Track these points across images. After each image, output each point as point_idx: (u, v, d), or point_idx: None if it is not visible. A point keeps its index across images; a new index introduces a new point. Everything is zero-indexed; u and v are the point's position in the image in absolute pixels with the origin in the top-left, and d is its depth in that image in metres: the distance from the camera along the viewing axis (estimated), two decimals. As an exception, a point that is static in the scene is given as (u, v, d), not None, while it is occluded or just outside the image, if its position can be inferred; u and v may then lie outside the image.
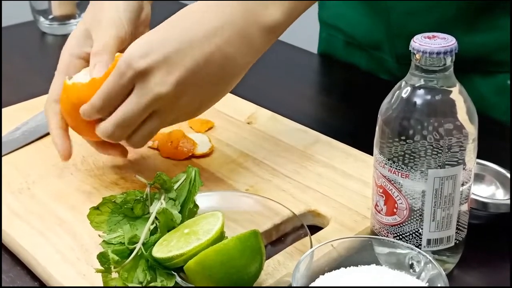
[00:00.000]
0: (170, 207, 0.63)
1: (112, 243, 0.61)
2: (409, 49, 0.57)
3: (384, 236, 0.61)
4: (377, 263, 0.55)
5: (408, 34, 0.59)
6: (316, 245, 0.55)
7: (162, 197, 0.64)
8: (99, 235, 0.62)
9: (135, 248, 0.59)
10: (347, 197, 0.72)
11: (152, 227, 0.61)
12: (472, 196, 0.64)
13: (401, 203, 0.59)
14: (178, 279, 0.58)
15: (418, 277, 0.53)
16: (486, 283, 0.63)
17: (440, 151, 0.56)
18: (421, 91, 0.57)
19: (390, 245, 0.55)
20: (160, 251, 0.59)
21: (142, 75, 0.65)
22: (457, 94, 0.57)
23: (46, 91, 0.93)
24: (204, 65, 0.65)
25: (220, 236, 0.59)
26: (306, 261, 0.53)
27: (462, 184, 0.58)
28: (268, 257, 0.62)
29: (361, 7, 1.00)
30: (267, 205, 0.67)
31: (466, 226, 0.61)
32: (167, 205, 0.63)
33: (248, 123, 0.87)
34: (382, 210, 0.61)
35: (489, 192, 0.69)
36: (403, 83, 0.58)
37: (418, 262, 0.54)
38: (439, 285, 0.52)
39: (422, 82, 0.57)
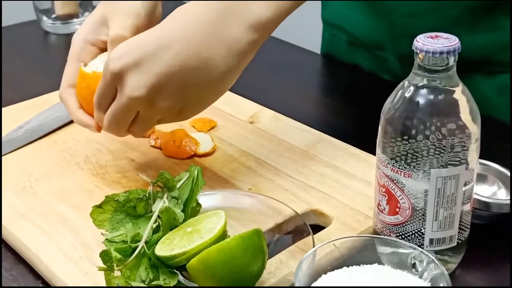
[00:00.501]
0: (172, 205, 0.63)
1: (115, 242, 0.61)
2: (412, 48, 0.57)
3: (387, 235, 0.61)
4: (380, 262, 0.55)
5: (411, 34, 0.59)
6: (319, 244, 0.55)
7: (165, 195, 0.64)
8: (101, 234, 0.62)
9: (137, 246, 0.59)
10: (349, 197, 0.72)
11: (154, 225, 0.61)
12: (475, 196, 0.64)
13: (403, 203, 0.59)
14: (181, 278, 0.58)
15: (420, 277, 0.53)
16: (488, 283, 0.63)
17: (443, 151, 0.56)
18: (424, 91, 0.57)
19: (393, 244, 0.55)
20: (162, 249, 0.59)
21: (118, 77, 0.64)
22: (460, 94, 0.57)
23: (49, 90, 0.94)
24: (179, 70, 0.63)
25: (223, 235, 0.59)
26: (309, 260, 0.53)
27: (465, 184, 0.58)
28: (270, 256, 0.62)
29: (364, 8, 1.00)
30: (269, 204, 0.67)
31: (468, 226, 0.61)
32: (169, 203, 0.63)
33: (251, 123, 0.87)
34: (384, 209, 0.61)
35: (492, 192, 0.69)
36: (406, 82, 0.58)
37: (420, 262, 0.54)
38: (441, 285, 0.52)
39: (425, 81, 0.57)
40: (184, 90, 0.65)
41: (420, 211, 0.59)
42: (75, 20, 1.21)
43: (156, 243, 0.60)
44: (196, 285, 0.57)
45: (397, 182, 0.58)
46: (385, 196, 0.60)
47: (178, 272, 0.58)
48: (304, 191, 0.73)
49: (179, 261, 0.58)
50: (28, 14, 1.29)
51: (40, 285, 0.64)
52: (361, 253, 0.55)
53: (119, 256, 0.57)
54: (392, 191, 0.59)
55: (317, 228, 0.68)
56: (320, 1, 1.09)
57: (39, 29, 1.23)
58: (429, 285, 0.52)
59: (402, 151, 0.57)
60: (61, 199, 0.72)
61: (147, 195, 0.64)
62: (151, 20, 0.76)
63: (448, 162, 0.57)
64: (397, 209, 0.59)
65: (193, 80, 0.64)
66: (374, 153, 0.62)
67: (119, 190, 0.73)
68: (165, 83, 0.63)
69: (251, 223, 0.64)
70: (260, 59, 0.70)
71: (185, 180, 0.65)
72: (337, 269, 0.54)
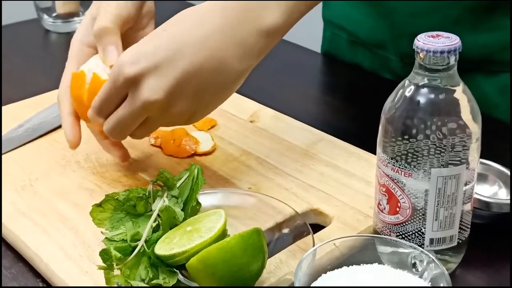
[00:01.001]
0: (172, 204, 0.63)
1: (115, 240, 0.61)
2: (413, 47, 0.57)
3: (387, 235, 0.61)
4: (380, 262, 0.55)
5: (412, 33, 0.59)
6: (319, 243, 0.55)
7: (165, 194, 0.64)
8: (101, 232, 0.62)
9: (137, 245, 0.59)
10: (349, 196, 0.71)
11: (154, 224, 0.61)
12: (475, 196, 0.63)
13: (404, 202, 0.59)
14: (180, 277, 0.58)
15: (420, 277, 0.53)
16: (489, 282, 0.63)
17: (443, 150, 0.56)
18: (424, 90, 0.57)
19: (393, 244, 0.55)
20: (162, 248, 0.59)
21: (133, 82, 0.64)
22: (461, 93, 0.57)
23: (49, 89, 0.94)
24: (196, 73, 0.63)
25: (223, 234, 0.59)
26: (308, 259, 0.53)
27: (465, 184, 0.58)
28: (270, 255, 0.62)
29: (365, 7, 1.00)
30: (269, 204, 0.67)
31: (469, 226, 0.61)
32: (169, 202, 0.63)
33: (251, 122, 0.87)
34: (385, 209, 0.61)
35: (492, 192, 0.69)
36: (406, 82, 0.58)
37: (420, 262, 0.53)
38: (441, 285, 0.51)
39: (425, 81, 0.57)
40: (201, 93, 0.65)
41: (421, 210, 0.58)
42: (75, 18, 1.21)
43: (156, 242, 0.60)
44: (195, 284, 0.57)
45: (398, 182, 0.58)
46: (386, 196, 0.60)
47: (177, 271, 0.58)
48: (304, 190, 0.73)
49: (178, 260, 0.58)
50: (29, 12, 1.29)
51: (40, 283, 0.64)
52: (361, 253, 0.55)
53: (118, 255, 0.57)
54: (393, 191, 0.59)
55: (317, 228, 0.68)
56: (321, 1, 1.09)
57: (39, 27, 1.23)
58: (429, 285, 0.52)
59: (402, 150, 0.57)
60: (61, 198, 0.72)
61: (147, 194, 0.64)
62: (141, 15, 0.76)
63: (449, 162, 0.57)
64: (398, 209, 0.59)
65: (210, 82, 0.64)
66: (374, 153, 0.62)
67: (119, 188, 0.73)
68: (182, 87, 0.63)
69: (251, 222, 0.64)
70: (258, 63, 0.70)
71: (185, 179, 0.65)
72: (337, 268, 0.54)
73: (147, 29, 0.79)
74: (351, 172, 0.76)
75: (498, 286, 0.62)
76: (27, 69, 1.08)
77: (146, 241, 0.59)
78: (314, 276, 0.53)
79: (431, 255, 0.53)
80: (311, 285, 0.53)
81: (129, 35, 0.76)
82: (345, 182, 0.74)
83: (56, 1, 1.20)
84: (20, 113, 0.88)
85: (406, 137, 0.57)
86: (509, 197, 0.67)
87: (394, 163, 0.58)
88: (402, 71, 0.98)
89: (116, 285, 0.58)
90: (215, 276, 0.56)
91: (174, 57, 0.63)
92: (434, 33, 0.57)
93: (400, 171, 0.58)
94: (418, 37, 0.57)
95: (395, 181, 0.59)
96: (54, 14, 1.22)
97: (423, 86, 0.57)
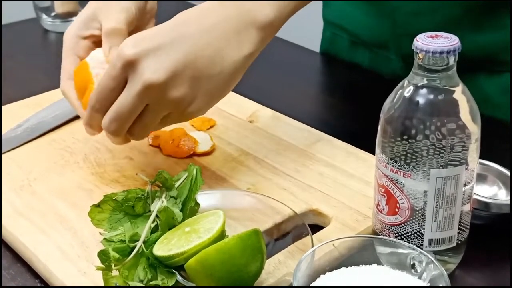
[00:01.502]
0: (171, 205, 0.63)
1: (113, 241, 0.61)
2: (412, 48, 0.56)
3: (386, 235, 0.61)
4: (379, 263, 0.55)
5: (414, 33, 0.58)
6: (317, 244, 0.55)
7: (163, 195, 0.64)
8: (100, 233, 0.62)
9: (136, 246, 0.59)
10: (348, 196, 0.71)
11: (153, 225, 0.61)
12: (474, 196, 0.63)
13: (403, 203, 0.59)
14: (179, 278, 0.58)
15: (419, 277, 0.53)
16: (488, 283, 0.63)
17: (443, 151, 0.56)
18: (423, 91, 0.57)
19: (392, 245, 0.55)
20: (161, 249, 0.59)
21: (132, 64, 0.65)
22: (460, 94, 0.57)
23: (48, 88, 0.94)
24: (195, 58, 0.66)
25: (221, 235, 0.59)
26: (307, 260, 0.53)
27: (465, 184, 0.58)
28: (269, 256, 0.61)
29: (366, 7, 1.00)
30: (268, 204, 0.67)
31: (468, 226, 0.61)
32: (168, 203, 0.63)
33: (250, 122, 0.87)
34: (383, 209, 0.60)
35: (492, 193, 0.69)
36: (405, 82, 0.58)
37: (419, 262, 0.53)
38: (440, 286, 0.51)
39: (424, 81, 0.57)
40: (197, 80, 0.66)
41: (420, 211, 0.58)
42: (74, 18, 1.21)
43: (155, 243, 0.60)
44: (194, 285, 0.57)
45: (397, 182, 0.58)
46: (384, 196, 0.60)
47: (176, 272, 0.58)
48: (303, 190, 0.73)
49: (177, 261, 0.58)
50: (28, 12, 1.28)
51: (38, 284, 0.64)
52: (360, 253, 0.55)
53: (117, 255, 0.57)
54: (392, 191, 0.59)
55: (316, 228, 0.68)
56: (321, 0, 1.09)
57: (38, 27, 1.23)
58: (428, 285, 0.52)
59: (401, 151, 0.57)
60: (60, 198, 0.72)
61: (146, 194, 0.64)
62: (142, 16, 0.79)
63: (448, 162, 0.56)
64: (397, 209, 0.59)
65: (207, 69, 0.67)
66: (373, 153, 0.62)
67: (118, 189, 0.73)
68: (181, 70, 0.65)
69: (250, 223, 0.64)
70: (259, 58, 0.70)
71: (184, 180, 0.65)
72: (336, 269, 0.54)
73: (148, 27, 0.81)
74: (350, 173, 0.76)
75: (498, 287, 0.62)
76: (25, 68, 1.08)
77: (144, 242, 0.59)
78: (313, 277, 0.53)
79: (430, 256, 0.53)
80: (310, 286, 0.53)
81: (130, 33, 0.77)
82: (344, 182, 0.74)
83: (55, 1, 1.20)
84: (19, 113, 0.88)
85: (405, 137, 0.57)
86: (508, 198, 0.67)
87: (393, 163, 0.58)
88: (402, 71, 0.98)
89: (114, 286, 0.58)
90: (213, 277, 0.56)
91: (174, 41, 0.65)
92: (433, 33, 0.57)
93: (399, 172, 0.58)
94: (417, 37, 0.57)
95: (394, 181, 0.58)
96: (53, 14, 1.22)
97: (422, 86, 0.57)
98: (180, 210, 0.62)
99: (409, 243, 0.57)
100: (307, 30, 1.33)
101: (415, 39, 0.57)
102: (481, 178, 0.70)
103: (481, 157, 0.61)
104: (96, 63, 0.73)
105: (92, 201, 0.64)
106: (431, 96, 0.57)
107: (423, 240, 0.59)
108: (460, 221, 0.60)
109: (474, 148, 0.58)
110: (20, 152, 0.81)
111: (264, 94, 0.95)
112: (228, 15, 0.67)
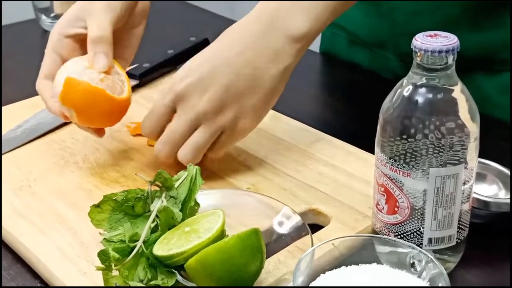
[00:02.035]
0: (171, 205, 0.63)
1: (113, 241, 0.61)
2: (411, 47, 0.56)
3: (385, 235, 0.61)
4: (378, 262, 0.55)
5: (413, 33, 0.59)
6: (317, 243, 0.55)
7: (163, 195, 0.63)
8: (99, 233, 0.62)
9: (135, 246, 0.59)
10: (348, 196, 0.71)
11: (153, 225, 0.61)
12: (474, 195, 0.63)
13: (402, 202, 0.59)
14: (179, 277, 0.58)
15: (419, 276, 0.53)
16: (487, 282, 0.63)
17: (442, 150, 0.56)
18: (422, 90, 0.57)
19: (391, 244, 0.55)
20: (160, 249, 0.59)
21: (181, 97, 0.71)
22: (459, 93, 0.57)
23: (47, 89, 0.94)
24: (236, 79, 0.70)
25: (221, 235, 0.59)
26: (307, 259, 0.53)
27: (464, 183, 0.58)
28: (268, 256, 0.61)
29: (365, 7, 1.00)
30: (268, 204, 0.67)
31: (467, 225, 0.61)
32: (168, 203, 0.63)
33: (250, 122, 0.87)
34: (383, 209, 0.61)
35: (491, 191, 0.69)
36: (404, 81, 0.58)
37: (419, 261, 0.53)
38: (440, 285, 0.51)
39: (423, 80, 0.57)
40: (241, 99, 0.71)
41: (419, 210, 0.58)
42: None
43: (154, 243, 0.60)
44: (194, 284, 0.57)
45: (396, 181, 0.58)
46: (384, 196, 0.60)
47: (176, 271, 0.58)
48: (302, 190, 0.73)
49: (177, 261, 0.58)
50: (27, 13, 1.28)
51: (38, 284, 0.64)
52: (360, 253, 0.55)
53: (117, 255, 0.57)
54: (391, 190, 0.59)
55: (315, 228, 0.68)
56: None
57: (38, 28, 1.23)
58: (428, 284, 0.52)
59: (401, 150, 0.57)
60: (60, 199, 0.72)
61: (146, 194, 0.64)
62: (132, 17, 0.80)
63: (447, 161, 0.57)
64: (396, 209, 0.59)
65: (249, 88, 0.71)
66: (373, 152, 0.62)
67: (118, 189, 0.73)
68: (226, 95, 0.70)
69: (250, 223, 0.64)
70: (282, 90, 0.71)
71: (184, 179, 0.65)
72: (335, 268, 0.54)
73: (139, 28, 0.82)
74: (350, 172, 0.76)
75: (497, 286, 0.62)
76: (25, 69, 1.08)
77: (144, 242, 0.59)
78: (313, 276, 0.53)
79: (429, 255, 0.53)
80: (310, 285, 0.53)
81: (120, 32, 0.78)
82: (343, 182, 0.74)
83: (54, 1, 1.20)
84: (18, 114, 0.88)
85: (404, 136, 0.57)
86: (507, 197, 0.67)
87: (392, 162, 0.58)
88: (401, 71, 0.98)
89: (114, 286, 0.58)
90: (213, 277, 0.56)
91: (216, 69, 0.70)
92: (432, 32, 0.57)
93: (398, 171, 0.58)
94: (416, 36, 0.57)
95: (394, 180, 0.58)
96: (52, 15, 1.21)
97: (421, 85, 0.57)
98: (180, 210, 0.62)
99: (408, 242, 0.57)
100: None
101: (414, 39, 0.57)
102: (481, 177, 0.70)
103: (480, 156, 0.61)
104: (80, 73, 0.73)
105: (92, 201, 0.64)
106: (430, 95, 0.57)
107: (422, 239, 0.59)
108: (459, 220, 0.60)
109: (473, 147, 0.58)
110: (20, 153, 0.81)
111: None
112: (262, 32, 0.70)
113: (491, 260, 0.65)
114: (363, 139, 0.76)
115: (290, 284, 0.53)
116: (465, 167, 0.58)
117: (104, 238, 0.61)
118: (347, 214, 0.69)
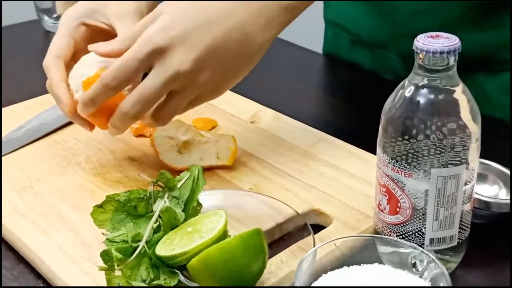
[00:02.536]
0: (173, 205, 0.63)
1: (116, 241, 0.61)
2: (413, 48, 0.57)
3: (387, 235, 0.61)
4: (380, 262, 0.55)
5: (414, 33, 0.59)
6: (319, 244, 0.55)
7: (166, 195, 0.64)
8: (102, 233, 0.63)
9: (138, 246, 0.59)
10: (350, 196, 0.72)
11: (155, 225, 0.61)
12: (475, 196, 0.64)
13: (404, 202, 0.59)
14: (181, 277, 0.58)
15: (421, 276, 0.53)
16: (489, 282, 0.63)
17: (443, 151, 0.56)
18: (424, 91, 0.57)
19: (393, 244, 0.55)
20: (163, 249, 0.59)
21: (160, 52, 0.65)
22: (461, 94, 0.57)
23: (50, 90, 0.94)
24: (223, 42, 0.67)
25: (223, 235, 0.59)
26: (309, 260, 0.53)
27: (465, 184, 0.58)
28: (271, 256, 0.62)
29: (367, 7, 1.00)
30: (270, 204, 0.67)
31: (469, 226, 0.61)
32: (170, 203, 0.63)
33: (252, 122, 0.87)
34: (385, 209, 0.61)
35: (492, 192, 0.69)
36: (406, 82, 0.58)
37: (421, 261, 0.54)
38: (441, 285, 0.52)
39: (425, 81, 0.57)
40: (225, 63, 0.68)
41: (421, 210, 0.59)
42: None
43: (157, 243, 0.60)
44: (196, 284, 0.57)
45: (398, 182, 0.59)
46: (386, 196, 0.60)
47: (178, 271, 0.58)
48: (304, 190, 0.73)
49: (179, 261, 0.58)
50: (29, 13, 1.29)
51: (41, 284, 0.64)
52: (362, 253, 0.55)
53: (119, 256, 0.57)
54: (393, 191, 0.59)
55: (317, 228, 0.68)
56: (322, 1, 1.09)
57: (40, 28, 1.23)
58: (429, 284, 0.52)
59: (402, 150, 0.57)
60: (62, 199, 0.72)
61: (148, 195, 0.64)
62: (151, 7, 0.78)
63: (449, 162, 0.57)
64: (398, 209, 0.60)
65: (235, 52, 0.68)
66: (374, 153, 0.62)
67: (120, 189, 0.73)
68: (209, 56, 0.66)
69: (252, 223, 0.64)
70: (261, 58, 0.71)
71: (186, 180, 0.65)
72: (337, 268, 0.54)
73: None
74: (352, 173, 0.76)
75: (498, 286, 0.62)
76: (27, 70, 1.08)
77: (147, 242, 0.60)
78: (315, 276, 0.54)
79: (431, 255, 0.53)
80: (312, 285, 0.53)
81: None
82: (345, 182, 0.74)
83: (56, 2, 1.20)
84: (20, 114, 0.88)
85: (406, 137, 0.57)
86: (508, 197, 0.68)
87: (394, 163, 0.58)
88: (403, 71, 0.98)
89: (117, 286, 0.58)
90: (216, 277, 0.56)
91: (202, 27, 0.66)
92: (434, 33, 0.57)
93: (400, 171, 0.58)
94: (418, 37, 0.57)
95: (395, 181, 0.59)
96: (54, 15, 1.22)
97: (423, 86, 0.57)
98: (182, 210, 0.63)
99: (410, 242, 0.58)
100: (309, 31, 1.33)
101: (415, 39, 0.57)
102: (482, 177, 0.70)
103: (481, 156, 0.61)
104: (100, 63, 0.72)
105: (95, 201, 0.64)
106: (432, 96, 0.57)
107: (424, 239, 0.59)
108: (461, 220, 0.60)
109: (474, 148, 0.58)
110: (22, 154, 0.82)
111: (266, 95, 0.96)
112: None
113: (492, 260, 0.65)
114: (365, 140, 0.77)
115: (293, 284, 0.53)
116: (467, 168, 0.58)
117: (107, 238, 0.62)
118: (349, 214, 0.69)
